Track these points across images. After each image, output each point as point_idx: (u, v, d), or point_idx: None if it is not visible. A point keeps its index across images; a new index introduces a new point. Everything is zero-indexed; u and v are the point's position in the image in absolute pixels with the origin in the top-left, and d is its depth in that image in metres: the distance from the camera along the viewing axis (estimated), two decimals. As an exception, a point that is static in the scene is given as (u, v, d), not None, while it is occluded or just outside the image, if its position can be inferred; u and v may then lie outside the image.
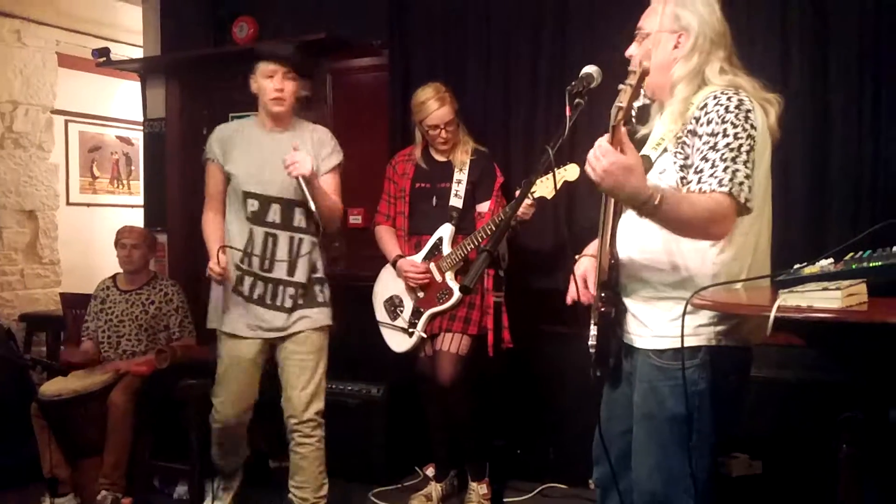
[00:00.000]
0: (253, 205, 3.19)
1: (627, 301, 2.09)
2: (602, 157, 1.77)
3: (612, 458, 2.18)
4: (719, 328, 1.97)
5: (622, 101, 1.82)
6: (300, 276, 3.23)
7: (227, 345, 3.27)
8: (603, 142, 1.80)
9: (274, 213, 3.20)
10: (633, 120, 2.05)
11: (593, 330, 2.11)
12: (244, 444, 3.49)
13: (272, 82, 3.17)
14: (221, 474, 3.53)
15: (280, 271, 3.21)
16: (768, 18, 3.37)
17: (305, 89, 3.52)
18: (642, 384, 2.05)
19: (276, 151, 3.15)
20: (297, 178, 3.05)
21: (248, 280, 3.21)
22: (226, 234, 3.26)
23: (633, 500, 2.11)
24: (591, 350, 2.12)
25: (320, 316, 3.28)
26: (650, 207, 1.80)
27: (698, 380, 1.97)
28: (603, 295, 2.06)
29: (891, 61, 3.21)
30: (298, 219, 3.23)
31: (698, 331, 1.97)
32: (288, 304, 3.22)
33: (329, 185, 3.24)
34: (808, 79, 3.33)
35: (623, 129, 1.81)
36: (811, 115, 3.32)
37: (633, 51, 2.12)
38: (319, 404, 3.28)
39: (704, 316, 1.96)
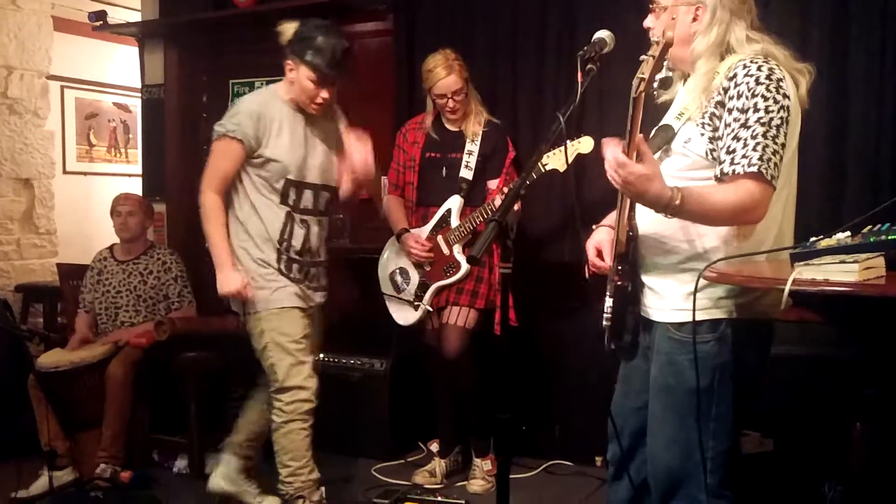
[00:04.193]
0: (296, 193, 3.20)
1: (645, 274, 2.09)
2: (618, 170, 1.78)
3: (626, 435, 2.19)
4: (740, 301, 1.96)
5: (644, 72, 1.81)
6: (323, 254, 3.32)
7: (289, 320, 3.17)
8: (618, 153, 1.79)
9: (307, 200, 3.23)
10: (655, 92, 2.04)
11: (609, 302, 2.09)
12: None
13: (322, 91, 3.11)
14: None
15: (312, 254, 3.26)
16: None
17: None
18: (660, 357, 2.05)
19: (311, 136, 3.21)
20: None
21: (283, 260, 3.21)
22: (251, 223, 3.17)
23: (648, 474, 2.12)
24: (606, 323, 2.11)
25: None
26: (672, 209, 1.83)
27: (719, 352, 1.97)
28: (620, 268, 2.05)
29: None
30: (324, 203, 3.28)
31: (719, 303, 1.96)
32: (323, 281, 3.32)
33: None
34: (828, 52, 3.29)
35: (639, 136, 1.81)
36: (829, 88, 3.29)
37: (650, 22, 2.07)
38: None
39: (725, 288, 1.95)
